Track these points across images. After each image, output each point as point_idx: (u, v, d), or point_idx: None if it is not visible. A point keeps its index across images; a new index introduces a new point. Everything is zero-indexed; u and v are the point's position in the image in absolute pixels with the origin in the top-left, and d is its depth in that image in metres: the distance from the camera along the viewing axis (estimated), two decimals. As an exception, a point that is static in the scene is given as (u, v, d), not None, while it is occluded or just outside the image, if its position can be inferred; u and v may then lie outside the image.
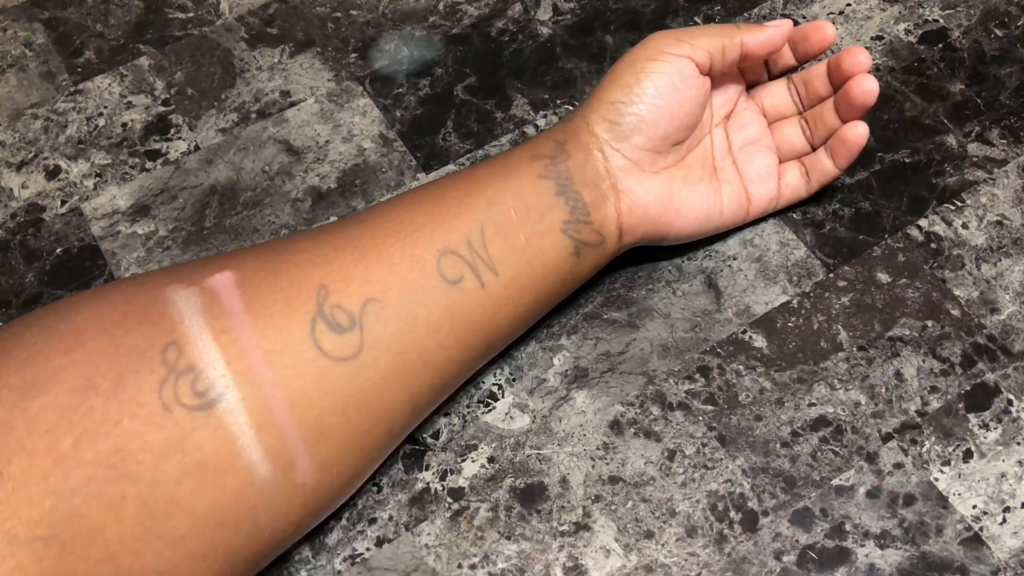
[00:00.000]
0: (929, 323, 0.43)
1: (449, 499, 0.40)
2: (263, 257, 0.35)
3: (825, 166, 0.44)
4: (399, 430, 0.37)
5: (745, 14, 0.54)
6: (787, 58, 0.44)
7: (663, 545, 0.38)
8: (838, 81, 0.43)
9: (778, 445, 0.40)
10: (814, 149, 0.45)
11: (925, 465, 0.40)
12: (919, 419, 0.41)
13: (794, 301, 0.44)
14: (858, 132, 0.42)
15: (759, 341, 0.43)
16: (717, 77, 0.43)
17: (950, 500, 0.39)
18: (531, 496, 0.40)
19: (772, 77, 0.46)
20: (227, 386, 0.32)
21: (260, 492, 0.32)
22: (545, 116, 0.50)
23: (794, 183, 0.45)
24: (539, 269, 0.38)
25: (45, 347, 0.32)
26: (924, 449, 0.40)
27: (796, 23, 0.53)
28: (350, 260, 0.35)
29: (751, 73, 0.45)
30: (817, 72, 0.44)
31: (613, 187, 0.39)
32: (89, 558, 0.30)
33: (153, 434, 0.31)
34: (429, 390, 0.37)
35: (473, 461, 0.40)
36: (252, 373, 0.32)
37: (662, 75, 0.39)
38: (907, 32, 0.53)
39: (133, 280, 0.35)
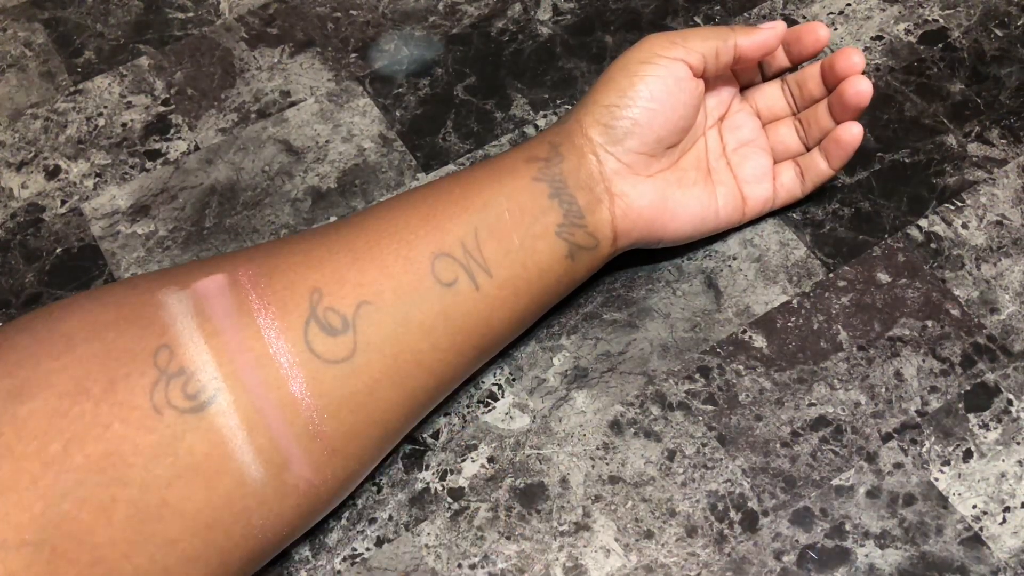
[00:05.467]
0: (929, 323, 0.43)
1: (449, 499, 0.40)
2: (256, 260, 0.35)
3: (820, 166, 0.44)
4: (394, 432, 0.37)
5: (745, 14, 0.54)
6: (781, 59, 0.44)
7: (663, 545, 0.38)
8: (832, 82, 0.43)
9: (778, 445, 0.40)
10: (808, 150, 0.45)
11: (925, 465, 0.40)
12: (919, 419, 0.41)
13: (794, 301, 0.44)
14: (852, 133, 0.42)
15: (759, 341, 0.43)
16: (711, 79, 0.43)
17: (950, 500, 0.39)
18: (531, 496, 0.40)
19: (766, 78, 0.46)
20: (218, 388, 0.32)
21: (252, 494, 0.32)
22: (545, 116, 0.50)
23: (789, 184, 0.45)
24: (533, 271, 0.38)
25: (36, 351, 0.32)
26: (924, 449, 0.40)
27: (796, 23, 0.53)
28: (344, 263, 0.35)
29: (745, 74, 0.45)
30: (811, 73, 0.44)
31: (607, 190, 0.39)
32: (79, 562, 0.30)
33: (144, 437, 0.31)
34: (424, 392, 0.37)
35: (473, 461, 0.40)
36: (243, 375, 0.32)
37: (655, 78, 0.39)
38: (907, 32, 0.53)
39: (125, 283, 0.35)
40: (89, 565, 0.30)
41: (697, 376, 0.42)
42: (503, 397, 0.42)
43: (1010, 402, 0.41)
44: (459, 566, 0.38)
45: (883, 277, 0.45)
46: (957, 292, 0.44)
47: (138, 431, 0.31)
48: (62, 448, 0.30)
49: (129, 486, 0.30)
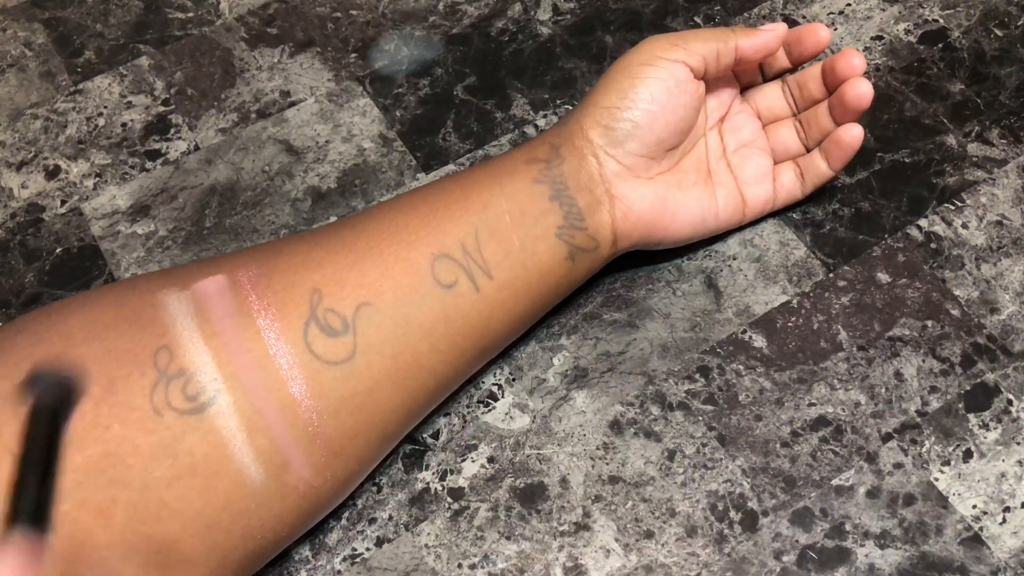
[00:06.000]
0: (929, 323, 0.43)
1: (449, 499, 0.40)
2: (257, 260, 0.35)
3: (820, 167, 0.44)
4: (394, 433, 0.37)
5: (745, 14, 0.54)
6: (782, 60, 0.44)
7: (663, 545, 0.38)
8: (832, 84, 0.43)
9: (778, 445, 0.40)
10: (808, 150, 0.45)
11: (925, 465, 0.40)
12: (919, 419, 0.41)
13: (794, 301, 0.44)
14: (852, 134, 0.42)
15: (759, 341, 0.43)
16: (711, 81, 0.43)
17: (950, 500, 0.39)
18: (531, 496, 0.40)
19: (767, 79, 0.46)
20: (218, 390, 0.32)
21: (252, 495, 0.32)
22: (545, 116, 0.50)
23: (789, 184, 0.45)
24: (534, 273, 0.38)
25: (35, 351, 0.32)
26: (924, 449, 0.40)
27: (796, 23, 0.53)
28: (344, 264, 0.35)
29: (745, 75, 0.45)
30: (812, 74, 0.44)
31: (607, 192, 0.39)
32: (79, 564, 0.30)
33: (144, 438, 0.31)
34: (423, 394, 0.37)
35: (473, 461, 0.40)
36: (243, 377, 0.32)
37: (656, 80, 0.39)
38: (907, 32, 0.53)
39: (125, 284, 0.35)
40: (88, 567, 0.30)
41: (697, 376, 0.42)
42: (503, 397, 0.42)
43: (1010, 402, 0.41)
44: (459, 566, 0.38)
45: (883, 277, 0.45)
46: (957, 292, 0.44)
47: (138, 432, 0.31)
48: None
49: (128, 487, 0.30)
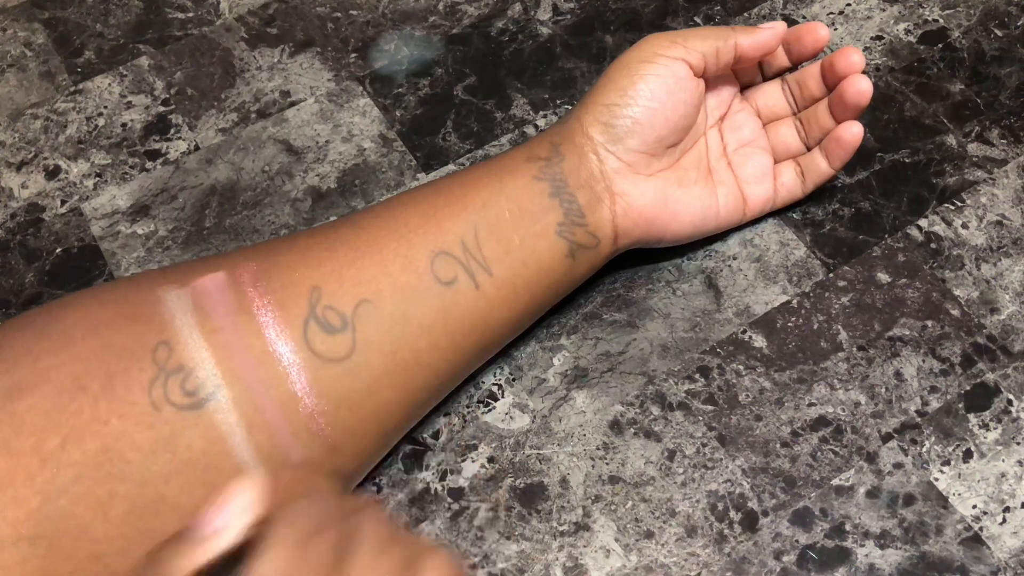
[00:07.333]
0: (929, 323, 0.43)
1: (449, 499, 0.40)
2: (256, 258, 0.35)
3: (820, 166, 0.44)
4: (393, 430, 0.37)
5: (745, 14, 0.54)
6: (781, 59, 0.44)
7: (663, 545, 0.38)
8: (832, 82, 0.43)
9: (778, 445, 0.40)
10: (809, 149, 0.45)
11: (925, 465, 0.40)
12: (919, 419, 0.41)
13: (794, 301, 0.44)
14: (852, 132, 0.42)
15: (759, 341, 0.43)
16: (711, 79, 0.43)
17: (950, 500, 0.39)
18: (531, 496, 0.40)
19: (766, 78, 0.46)
20: (217, 385, 0.32)
21: None
22: (545, 116, 0.50)
23: (790, 183, 0.45)
24: (533, 270, 0.38)
25: (35, 348, 0.32)
26: (924, 449, 0.40)
27: (796, 23, 0.53)
28: (344, 261, 0.35)
29: (745, 74, 0.45)
30: (811, 72, 0.44)
31: (608, 189, 0.39)
32: (76, 557, 0.30)
33: (142, 433, 0.31)
34: (423, 391, 0.37)
35: (473, 461, 0.40)
36: (243, 373, 0.32)
37: (656, 77, 0.39)
38: (907, 32, 0.53)
39: (125, 281, 0.35)
40: (86, 560, 0.30)
41: (697, 376, 0.42)
42: (503, 397, 0.42)
43: (1010, 402, 0.41)
44: (459, 566, 0.38)
45: (883, 277, 0.45)
46: (957, 292, 0.44)
47: (136, 427, 0.31)
48: (60, 444, 0.30)
49: (127, 482, 0.30)
